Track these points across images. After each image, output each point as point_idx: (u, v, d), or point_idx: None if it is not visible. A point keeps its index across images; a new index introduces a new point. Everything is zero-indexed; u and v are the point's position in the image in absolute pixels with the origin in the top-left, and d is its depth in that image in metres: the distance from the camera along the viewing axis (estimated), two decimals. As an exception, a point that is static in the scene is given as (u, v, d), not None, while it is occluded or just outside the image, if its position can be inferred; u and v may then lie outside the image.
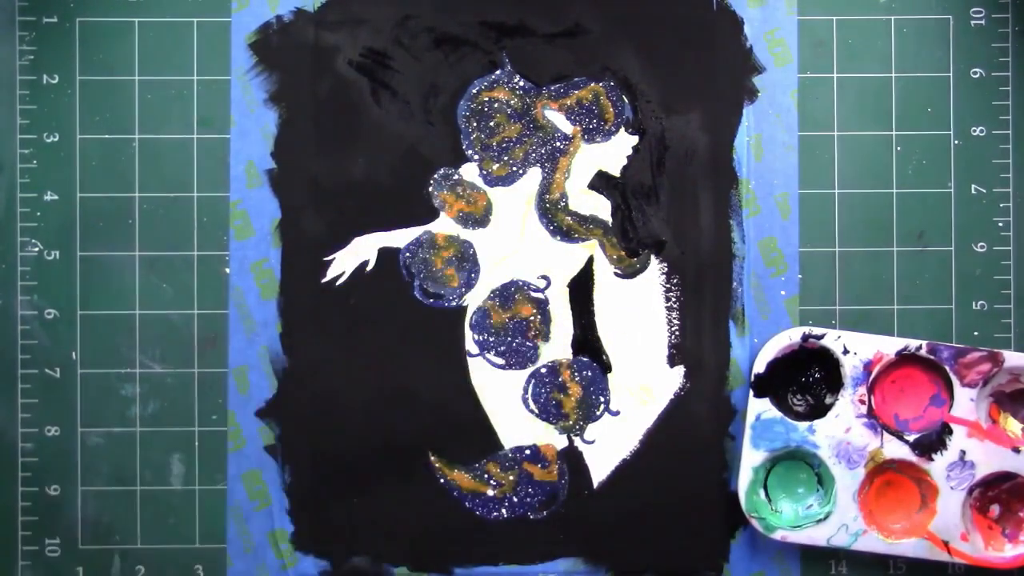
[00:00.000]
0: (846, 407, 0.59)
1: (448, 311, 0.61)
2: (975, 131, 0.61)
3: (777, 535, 0.58)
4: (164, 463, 0.60)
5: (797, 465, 0.60)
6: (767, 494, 0.59)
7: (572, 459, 0.61)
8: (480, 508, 0.60)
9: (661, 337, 0.61)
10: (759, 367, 0.59)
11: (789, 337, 0.59)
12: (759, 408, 0.59)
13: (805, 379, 0.60)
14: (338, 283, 0.60)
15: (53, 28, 0.61)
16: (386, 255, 0.60)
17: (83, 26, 0.61)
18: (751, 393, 0.59)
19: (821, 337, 0.59)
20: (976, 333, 0.61)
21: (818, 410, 0.60)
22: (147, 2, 0.61)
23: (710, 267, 0.61)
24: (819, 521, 0.58)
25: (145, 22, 0.61)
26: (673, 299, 0.61)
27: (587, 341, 0.61)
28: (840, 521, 0.58)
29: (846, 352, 0.59)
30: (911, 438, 0.59)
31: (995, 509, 0.59)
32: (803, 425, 0.59)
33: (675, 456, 0.60)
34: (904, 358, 0.59)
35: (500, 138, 0.61)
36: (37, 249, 0.60)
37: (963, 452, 0.58)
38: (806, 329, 0.59)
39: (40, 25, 0.61)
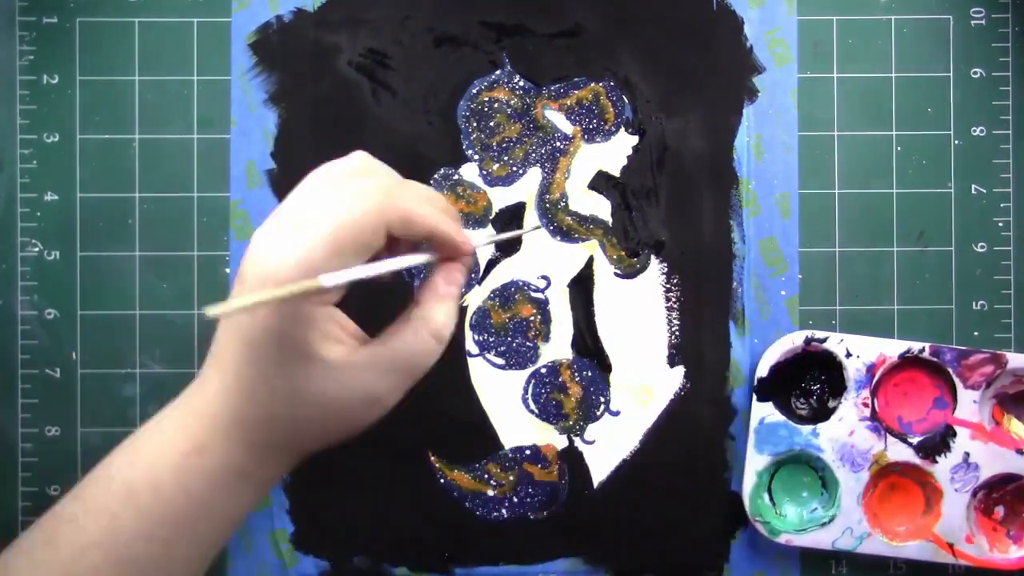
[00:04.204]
0: (849, 410, 0.52)
1: (448, 311, 0.54)
2: (975, 131, 0.55)
3: (782, 539, 0.51)
4: (164, 463, 0.53)
5: (801, 469, 0.53)
6: (771, 498, 0.53)
7: (572, 459, 0.54)
8: (480, 508, 0.54)
9: (661, 337, 0.54)
10: (762, 371, 0.52)
11: (792, 341, 0.52)
12: (762, 412, 0.52)
13: (808, 382, 0.54)
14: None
15: (53, 28, 0.54)
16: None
17: (83, 26, 0.54)
18: (754, 397, 0.52)
19: (824, 340, 0.52)
20: (976, 333, 0.54)
21: (821, 413, 0.53)
22: (147, 2, 0.55)
23: (710, 267, 0.54)
24: (824, 524, 0.52)
25: (145, 22, 0.55)
26: (673, 299, 0.54)
27: (587, 341, 0.54)
28: (845, 524, 0.51)
29: (849, 355, 0.52)
30: (915, 441, 0.52)
31: (999, 511, 0.53)
32: (806, 429, 0.52)
33: (675, 456, 0.54)
34: (907, 361, 0.52)
35: (500, 138, 0.54)
36: (37, 249, 0.54)
37: (967, 454, 0.51)
38: (809, 333, 0.52)
39: (40, 25, 0.54)
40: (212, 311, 0.32)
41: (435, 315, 0.42)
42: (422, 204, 0.41)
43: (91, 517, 0.41)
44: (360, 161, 0.43)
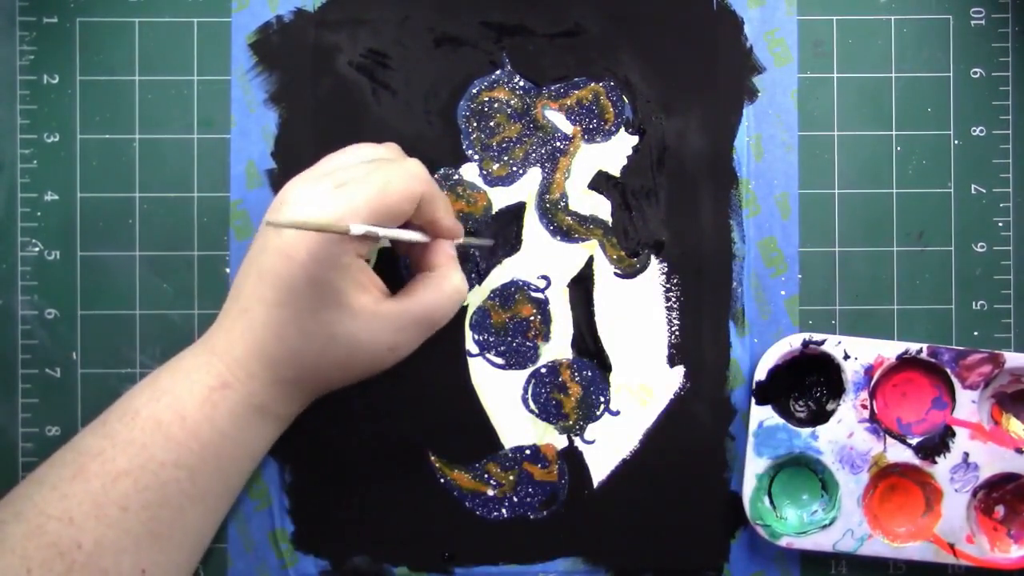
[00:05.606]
0: (848, 412, 0.51)
1: (448, 311, 0.53)
2: (975, 131, 0.54)
3: (783, 542, 0.50)
4: (164, 463, 0.52)
5: (801, 471, 0.52)
6: (771, 501, 0.52)
7: (572, 459, 0.53)
8: (480, 508, 0.53)
9: (661, 337, 0.53)
10: (760, 375, 0.51)
11: (789, 344, 0.51)
12: (761, 416, 0.51)
13: (806, 385, 0.53)
14: (338, 283, 0.52)
15: (53, 28, 0.53)
16: (386, 255, 0.53)
17: (83, 26, 0.53)
18: (752, 401, 0.51)
19: (821, 343, 0.51)
20: (976, 333, 0.53)
21: (820, 416, 0.52)
22: (147, 2, 0.54)
23: (710, 267, 0.53)
24: (824, 527, 0.51)
25: (145, 22, 0.54)
26: (673, 299, 0.53)
27: (587, 341, 0.53)
28: (845, 526, 0.50)
29: (847, 357, 0.51)
30: (914, 442, 0.51)
31: (1000, 510, 0.52)
32: (806, 431, 0.51)
33: (675, 456, 0.53)
34: (905, 362, 0.52)
35: (500, 138, 0.53)
36: (37, 249, 0.53)
37: (966, 454, 0.51)
38: (806, 335, 0.51)
39: (40, 25, 0.53)
40: (275, 221, 0.38)
41: (454, 275, 0.48)
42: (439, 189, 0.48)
43: (120, 449, 0.44)
44: (393, 151, 0.49)
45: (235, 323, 0.46)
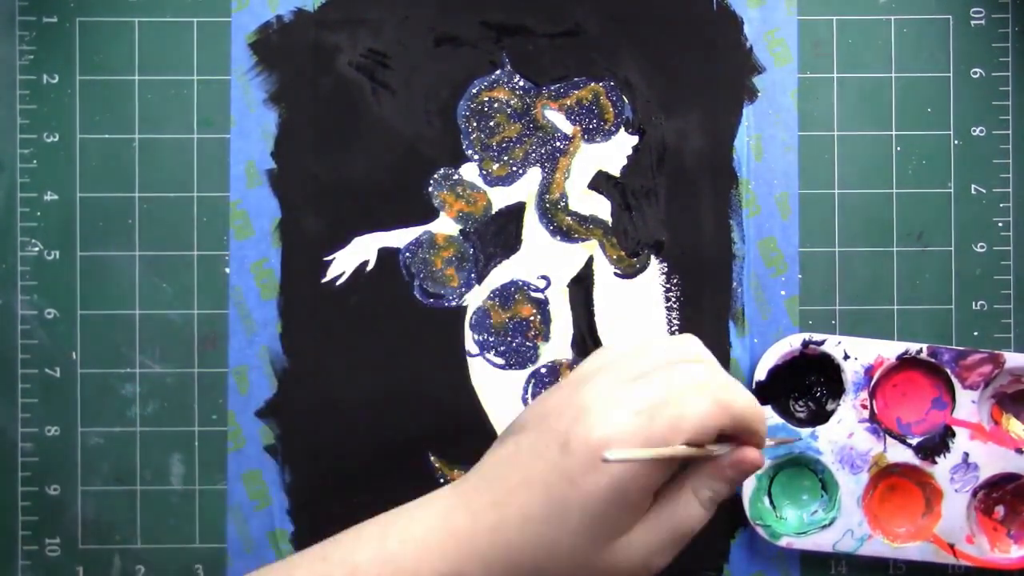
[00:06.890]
0: (848, 412, 0.51)
1: (448, 311, 0.53)
2: (975, 131, 0.54)
3: (783, 542, 0.50)
4: (164, 463, 0.53)
5: (800, 471, 0.52)
6: (771, 501, 0.52)
7: (572, 459, 0.52)
8: (480, 508, 0.52)
9: (661, 337, 0.53)
10: (760, 375, 0.51)
11: (789, 344, 0.51)
12: (762, 415, 0.51)
13: (806, 385, 0.53)
14: (338, 283, 0.53)
15: (53, 28, 0.53)
16: (386, 255, 0.53)
17: (83, 26, 0.53)
18: (753, 401, 0.51)
19: (821, 343, 0.51)
20: (976, 333, 0.53)
21: (819, 416, 0.52)
22: (147, 2, 0.53)
23: (710, 267, 0.53)
24: (824, 527, 0.51)
25: (145, 22, 0.53)
26: (673, 299, 0.53)
27: (587, 341, 0.53)
28: (845, 526, 0.50)
29: (847, 357, 0.51)
30: (914, 442, 0.51)
31: (1000, 510, 0.52)
32: (805, 431, 0.51)
33: (675, 456, 0.52)
34: (905, 362, 0.51)
35: (500, 138, 0.53)
36: (37, 249, 0.53)
37: (966, 454, 0.50)
38: (806, 335, 0.51)
39: (40, 25, 0.53)
40: (613, 455, 0.35)
41: (706, 488, 0.41)
42: (753, 403, 0.40)
43: None
44: (696, 349, 0.41)
45: (488, 515, 0.40)
